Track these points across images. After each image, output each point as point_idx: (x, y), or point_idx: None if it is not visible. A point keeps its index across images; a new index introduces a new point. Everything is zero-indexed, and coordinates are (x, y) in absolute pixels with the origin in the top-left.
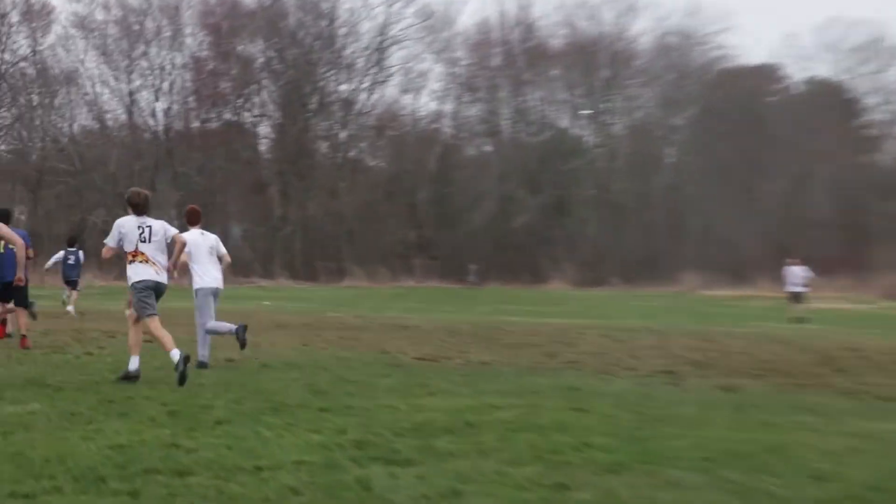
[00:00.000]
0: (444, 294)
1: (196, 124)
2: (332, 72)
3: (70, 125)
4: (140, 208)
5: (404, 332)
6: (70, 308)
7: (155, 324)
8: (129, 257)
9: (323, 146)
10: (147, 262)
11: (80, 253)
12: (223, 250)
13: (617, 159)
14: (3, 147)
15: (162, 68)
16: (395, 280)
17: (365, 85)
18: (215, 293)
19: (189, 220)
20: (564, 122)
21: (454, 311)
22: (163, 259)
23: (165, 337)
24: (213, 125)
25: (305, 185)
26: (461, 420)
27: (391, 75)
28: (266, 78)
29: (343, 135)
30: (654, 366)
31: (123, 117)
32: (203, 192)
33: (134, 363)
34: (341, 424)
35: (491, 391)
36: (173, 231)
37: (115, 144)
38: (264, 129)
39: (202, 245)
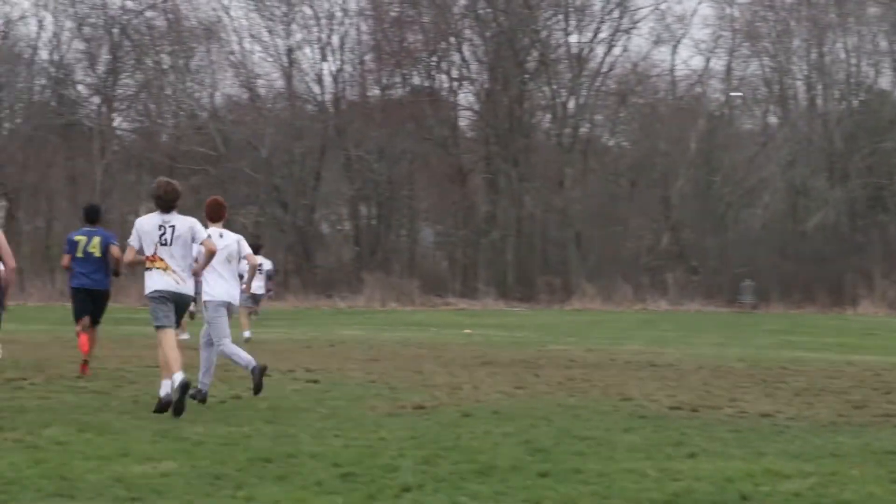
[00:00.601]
0: (709, 320)
1: (375, 92)
2: (557, 18)
3: (210, 95)
4: (165, 203)
5: (653, 371)
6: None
7: (167, 338)
8: (147, 263)
9: (545, 120)
10: (166, 269)
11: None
12: (247, 250)
13: None
14: (125, 125)
15: (331, 17)
16: (640, 301)
17: (603, 35)
18: (228, 308)
19: (209, 215)
20: (885, 82)
21: (722, 343)
22: (184, 265)
23: (175, 358)
24: (399, 93)
25: (520, 173)
26: (732, 492)
27: (639, 22)
28: (469, 28)
29: (572, 104)
30: None
31: (280, 84)
32: (384, 184)
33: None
34: (569, 495)
35: (773, 453)
36: (203, 233)
37: (268, 121)
38: (466, 98)
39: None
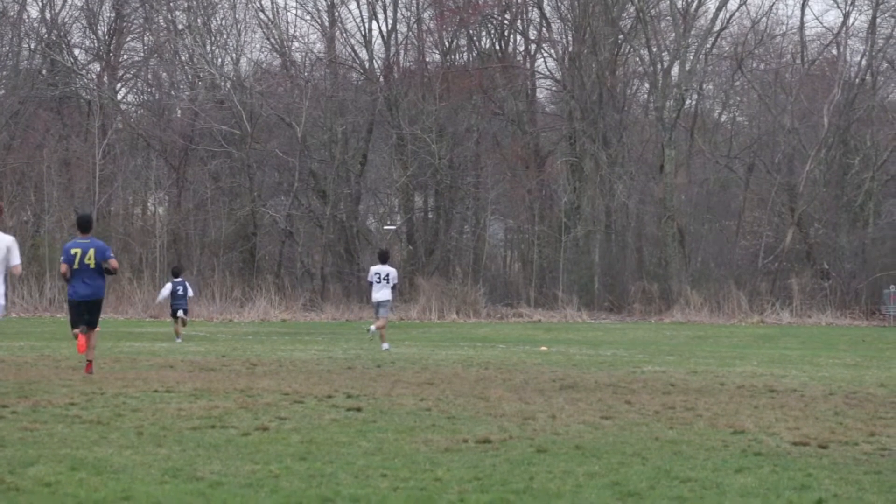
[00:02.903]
0: (842, 335)
1: (435, 58)
2: None
3: (235, 61)
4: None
5: (772, 398)
6: (179, 339)
7: None
8: None
9: (642, 91)
10: None
11: (186, 283)
12: (14, 261)
13: None
14: (130, 98)
15: None
16: (756, 312)
17: None
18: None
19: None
20: None
21: (858, 363)
22: None
23: None
24: (464, 59)
25: (611, 155)
26: None
27: None
28: None
29: (675, 71)
30: None
31: (319, 47)
32: (444, 169)
33: None
34: None
35: None
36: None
37: (304, 92)
38: (546, 65)
39: None
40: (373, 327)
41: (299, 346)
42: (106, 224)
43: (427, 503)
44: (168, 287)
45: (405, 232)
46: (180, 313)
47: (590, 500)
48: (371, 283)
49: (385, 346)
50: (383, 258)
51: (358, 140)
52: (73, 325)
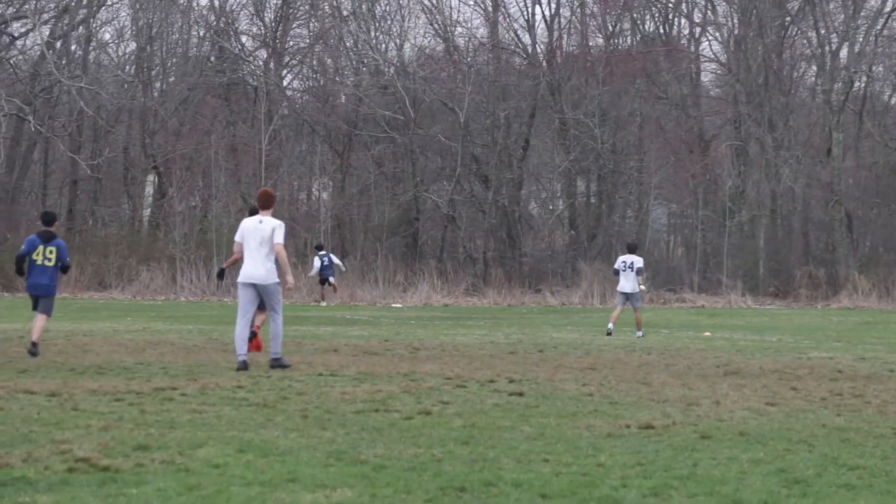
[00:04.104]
0: None
1: (598, 42)
2: None
3: (398, 47)
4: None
5: None
6: (324, 303)
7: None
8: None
9: (809, 73)
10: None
11: (331, 255)
12: (278, 239)
13: None
14: (296, 84)
15: None
16: None
17: None
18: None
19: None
20: None
21: None
22: None
23: None
24: (627, 43)
25: (777, 139)
26: None
27: None
28: None
29: (844, 53)
30: None
31: (482, 32)
32: (607, 154)
33: None
34: None
35: None
36: None
37: (467, 77)
38: (711, 48)
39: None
40: (639, 333)
41: (461, 330)
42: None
43: (589, 488)
44: (317, 261)
45: (568, 217)
46: (332, 279)
47: (755, 487)
48: (616, 272)
49: (639, 333)
50: (631, 248)
51: (520, 125)
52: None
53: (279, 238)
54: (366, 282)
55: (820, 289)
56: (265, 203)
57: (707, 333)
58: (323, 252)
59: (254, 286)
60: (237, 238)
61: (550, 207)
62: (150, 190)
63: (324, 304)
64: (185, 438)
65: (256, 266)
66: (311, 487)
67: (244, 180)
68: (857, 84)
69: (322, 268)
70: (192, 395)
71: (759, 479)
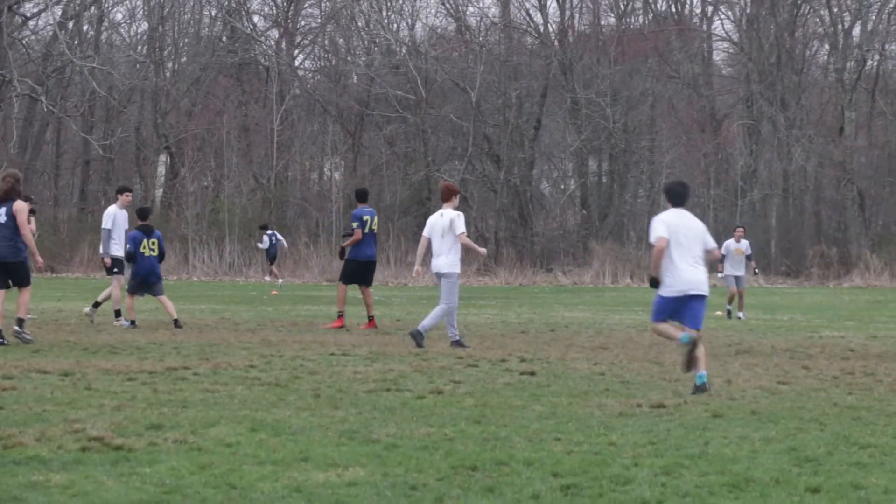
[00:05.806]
0: None
1: (610, 21)
2: None
3: (410, 26)
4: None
5: None
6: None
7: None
8: None
9: (821, 52)
10: None
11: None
12: (459, 229)
13: None
14: (307, 64)
15: None
16: None
17: None
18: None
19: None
20: None
21: None
22: None
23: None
24: (639, 21)
25: (789, 118)
26: None
27: None
28: None
29: (857, 32)
30: None
31: (493, 12)
32: (619, 133)
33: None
34: None
35: None
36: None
37: (479, 57)
38: (723, 27)
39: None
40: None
41: (473, 310)
42: (283, 189)
43: (601, 467)
44: (267, 239)
45: (580, 196)
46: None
47: (766, 466)
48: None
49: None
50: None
51: (532, 104)
52: (347, 281)
53: (460, 228)
54: (378, 261)
55: (832, 268)
56: (445, 196)
57: (718, 313)
58: (270, 231)
59: (438, 276)
60: (425, 233)
61: (562, 187)
62: (162, 170)
63: (280, 282)
64: (198, 418)
65: (438, 257)
66: (322, 466)
67: (256, 160)
68: (869, 62)
69: (270, 246)
70: (205, 375)
71: (770, 457)
